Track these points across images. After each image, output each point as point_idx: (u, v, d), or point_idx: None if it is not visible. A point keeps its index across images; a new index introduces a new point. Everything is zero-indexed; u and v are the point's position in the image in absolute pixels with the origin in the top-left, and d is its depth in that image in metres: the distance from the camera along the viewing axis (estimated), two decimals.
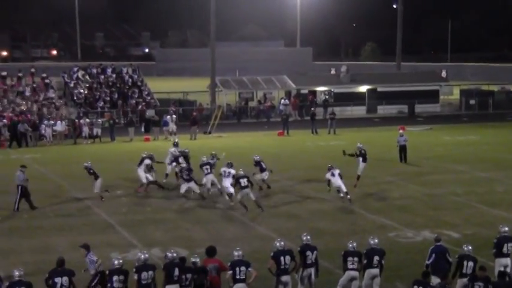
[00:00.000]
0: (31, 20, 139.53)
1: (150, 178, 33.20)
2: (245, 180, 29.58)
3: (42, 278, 17.87)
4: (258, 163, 33.24)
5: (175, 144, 36.32)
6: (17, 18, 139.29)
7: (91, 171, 31.72)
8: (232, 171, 30.82)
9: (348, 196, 30.90)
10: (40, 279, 17.92)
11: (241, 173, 30.19)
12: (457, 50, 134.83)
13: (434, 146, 48.16)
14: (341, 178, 30.98)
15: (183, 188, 31.71)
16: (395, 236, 25.82)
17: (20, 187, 30.16)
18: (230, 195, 30.71)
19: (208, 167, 32.61)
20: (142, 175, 32.98)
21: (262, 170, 33.09)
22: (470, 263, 18.62)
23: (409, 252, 23.71)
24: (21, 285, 16.98)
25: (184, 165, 33.04)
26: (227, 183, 30.69)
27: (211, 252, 19.06)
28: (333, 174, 30.98)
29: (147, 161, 33.24)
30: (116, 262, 18.05)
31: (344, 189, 30.96)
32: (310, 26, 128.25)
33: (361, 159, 34.21)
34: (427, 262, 19.21)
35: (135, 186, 33.71)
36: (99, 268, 18.84)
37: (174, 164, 34.29)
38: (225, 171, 30.91)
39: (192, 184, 31.68)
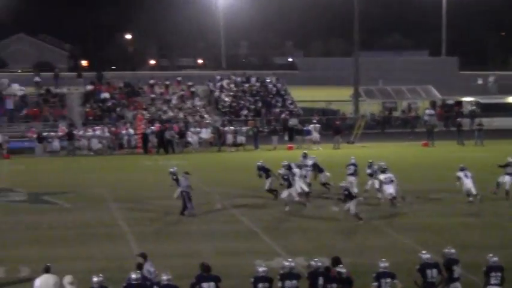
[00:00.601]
0: (178, 30, 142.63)
1: (306, 189, 33.19)
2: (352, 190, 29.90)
3: (188, 282, 18.12)
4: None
5: (304, 156, 36.07)
6: (164, 28, 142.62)
7: (175, 177, 32.03)
8: (392, 176, 30.91)
9: (478, 197, 30.53)
10: (186, 283, 18.14)
11: (345, 184, 30.16)
12: None
13: None
14: (473, 182, 30.65)
15: (284, 194, 31.74)
16: None
17: (183, 192, 30.72)
18: (393, 198, 31.20)
19: (351, 167, 32.81)
20: (299, 185, 33.00)
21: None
22: None
23: None
24: None
25: (282, 171, 32.89)
26: (391, 189, 30.87)
27: (337, 262, 18.84)
28: (466, 175, 30.71)
29: (296, 170, 33.38)
30: (260, 269, 18.07)
31: (474, 191, 30.52)
32: (455, 35, 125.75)
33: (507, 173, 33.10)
34: None
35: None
36: (155, 279, 18.58)
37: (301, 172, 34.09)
38: (386, 178, 30.91)
39: (292, 190, 31.65)
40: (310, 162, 35.12)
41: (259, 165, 34.60)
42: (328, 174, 34.97)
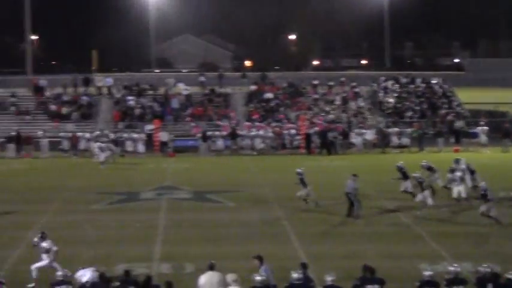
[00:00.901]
0: (341, 30, 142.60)
1: (464, 195, 32.35)
2: (490, 192, 28.86)
3: (350, 283, 17.95)
4: None
5: (456, 161, 35.00)
6: (328, 28, 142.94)
7: (301, 177, 31.73)
8: None
9: None
10: (349, 285, 17.95)
11: (484, 184, 29.29)
12: None
13: None
14: None
15: (419, 197, 31.27)
16: None
17: (349, 194, 30.56)
18: None
19: None
20: (457, 190, 32.31)
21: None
22: None
23: None
24: None
25: (417, 175, 32.18)
26: None
27: (496, 277, 18.06)
28: None
29: (449, 175, 33.04)
30: (426, 274, 17.97)
31: None
32: None
33: None
34: None
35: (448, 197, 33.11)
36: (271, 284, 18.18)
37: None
38: None
39: (425, 194, 30.95)
40: (463, 166, 34.26)
41: (399, 166, 34.01)
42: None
